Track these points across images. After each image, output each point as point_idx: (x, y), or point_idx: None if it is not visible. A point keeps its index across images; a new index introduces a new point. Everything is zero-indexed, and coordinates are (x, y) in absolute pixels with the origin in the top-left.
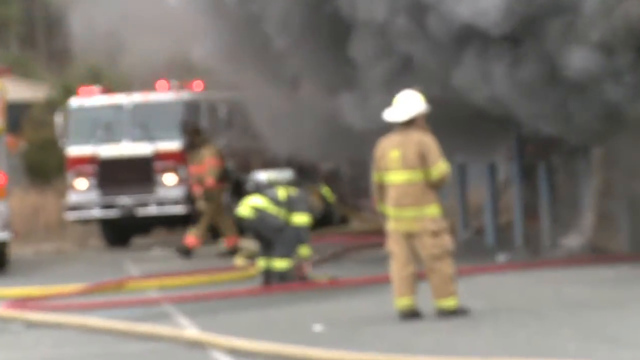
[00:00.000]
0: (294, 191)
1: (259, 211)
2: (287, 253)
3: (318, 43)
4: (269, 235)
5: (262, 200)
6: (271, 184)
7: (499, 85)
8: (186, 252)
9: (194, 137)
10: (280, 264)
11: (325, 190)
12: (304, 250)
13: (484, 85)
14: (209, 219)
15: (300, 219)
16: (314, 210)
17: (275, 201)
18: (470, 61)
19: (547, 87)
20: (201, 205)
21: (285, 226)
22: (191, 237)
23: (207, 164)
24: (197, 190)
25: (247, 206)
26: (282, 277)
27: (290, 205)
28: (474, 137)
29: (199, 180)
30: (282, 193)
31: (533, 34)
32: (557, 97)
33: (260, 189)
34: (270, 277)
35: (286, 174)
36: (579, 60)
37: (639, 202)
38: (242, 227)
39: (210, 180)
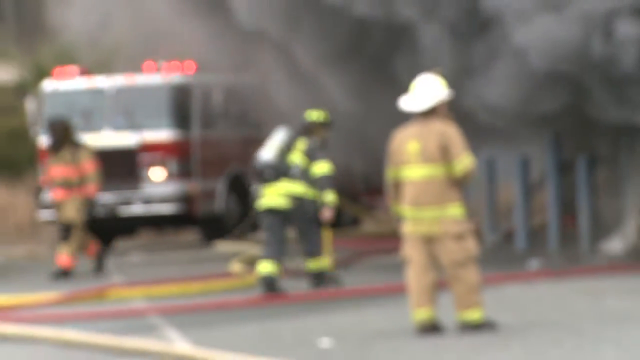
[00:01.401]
0: (305, 145)
1: (297, 199)
2: (319, 250)
3: None
4: (302, 227)
5: (296, 184)
6: (284, 159)
7: None
8: (63, 274)
9: (64, 134)
10: (315, 264)
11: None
12: (329, 196)
13: None
14: (81, 231)
15: (322, 168)
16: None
17: (307, 180)
18: None
19: None
20: (69, 213)
21: (317, 217)
22: (63, 256)
23: (84, 167)
24: (62, 196)
25: (281, 195)
26: (319, 277)
27: (312, 160)
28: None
29: (66, 184)
30: (300, 160)
31: None
32: None
33: (282, 172)
34: (273, 284)
35: (282, 133)
36: None
37: None
38: (265, 221)
39: (92, 187)
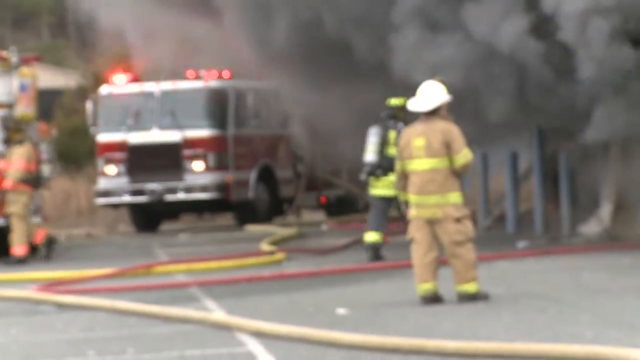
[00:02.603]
0: (395, 134)
1: None
2: (384, 226)
3: None
4: (384, 207)
5: None
6: (385, 155)
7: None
8: (19, 262)
9: (12, 133)
10: (376, 237)
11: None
12: None
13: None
14: (23, 219)
15: None
16: None
17: None
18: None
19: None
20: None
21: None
22: (18, 246)
23: (12, 162)
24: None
25: (387, 186)
26: (377, 249)
27: None
28: (496, 126)
29: (4, 176)
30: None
31: None
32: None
33: (387, 168)
34: (377, 250)
35: (375, 133)
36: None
37: None
38: (375, 204)
39: (8, 180)
